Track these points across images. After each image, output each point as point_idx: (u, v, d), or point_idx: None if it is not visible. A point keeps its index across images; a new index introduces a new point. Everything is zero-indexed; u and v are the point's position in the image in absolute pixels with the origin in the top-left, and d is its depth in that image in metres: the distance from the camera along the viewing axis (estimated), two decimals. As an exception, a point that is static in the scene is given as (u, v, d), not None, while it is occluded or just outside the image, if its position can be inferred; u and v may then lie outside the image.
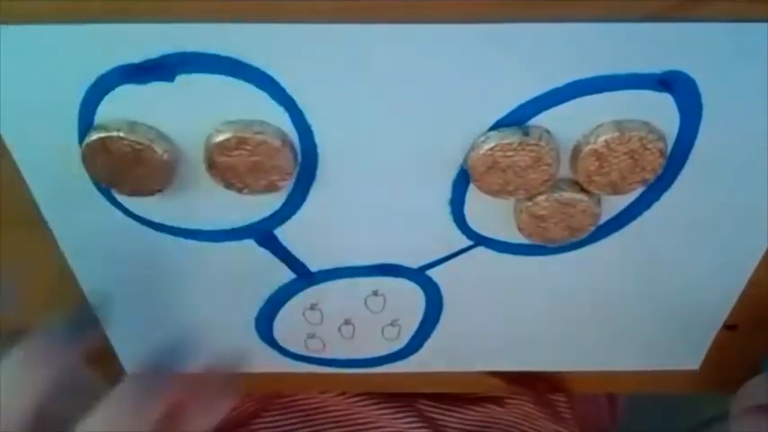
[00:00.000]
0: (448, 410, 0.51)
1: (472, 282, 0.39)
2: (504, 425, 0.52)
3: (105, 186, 0.33)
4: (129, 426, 0.29)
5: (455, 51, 0.29)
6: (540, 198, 0.33)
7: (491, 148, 0.31)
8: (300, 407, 0.50)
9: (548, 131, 0.31)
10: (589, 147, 0.31)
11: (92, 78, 0.30)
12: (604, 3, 0.28)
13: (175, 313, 0.40)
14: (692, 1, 0.28)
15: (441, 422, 0.51)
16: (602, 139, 0.31)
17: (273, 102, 0.31)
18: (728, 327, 0.41)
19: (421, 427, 0.50)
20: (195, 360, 0.40)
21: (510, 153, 0.31)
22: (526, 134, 0.31)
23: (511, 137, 0.31)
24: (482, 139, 0.31)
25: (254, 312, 0.40)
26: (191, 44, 0.29)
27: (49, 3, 0.28)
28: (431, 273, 0.39)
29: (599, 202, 0.33)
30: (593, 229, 0.34)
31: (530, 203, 0.33)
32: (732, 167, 0.33)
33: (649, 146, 0.31)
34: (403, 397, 0.51)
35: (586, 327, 0.41)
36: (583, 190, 0.33)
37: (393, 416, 0.51)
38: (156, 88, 0.30)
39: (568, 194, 0.33)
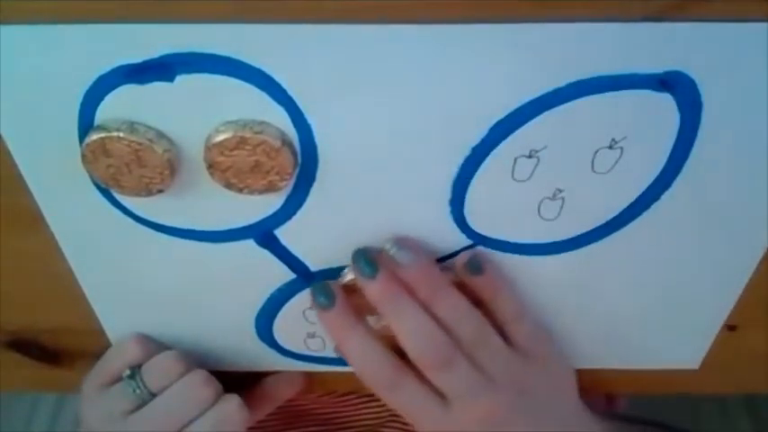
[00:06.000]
0: None
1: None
2: None
3: (105, 186, 0.33)
4: None
5: (455, 51, 0.29)
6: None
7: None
8: (284, 408, 0.50)
9: None
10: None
11: (92, 78, 0.30)
12: (604, 3, 0.28)
13: (175, 313, 0.40)
14: (692, 1, 0.28)
15: None
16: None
17: (273, 102, 0.31)
18: (728, 327, 0.41)
19: (406, 425, 0.49)
20: (196, 359, 0.40)
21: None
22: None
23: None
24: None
25: (254, 312, 0.40)
26: (191, 44, 0.29)
27: (49, 3, 0.28)
28: (431, 273, 0.38)
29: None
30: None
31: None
32: (732, 167, 0.33)
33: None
34: None
35: (586, 326, 0.41)
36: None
37: (378, 413, 0.51)
38: (156, 88, 0.30)
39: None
